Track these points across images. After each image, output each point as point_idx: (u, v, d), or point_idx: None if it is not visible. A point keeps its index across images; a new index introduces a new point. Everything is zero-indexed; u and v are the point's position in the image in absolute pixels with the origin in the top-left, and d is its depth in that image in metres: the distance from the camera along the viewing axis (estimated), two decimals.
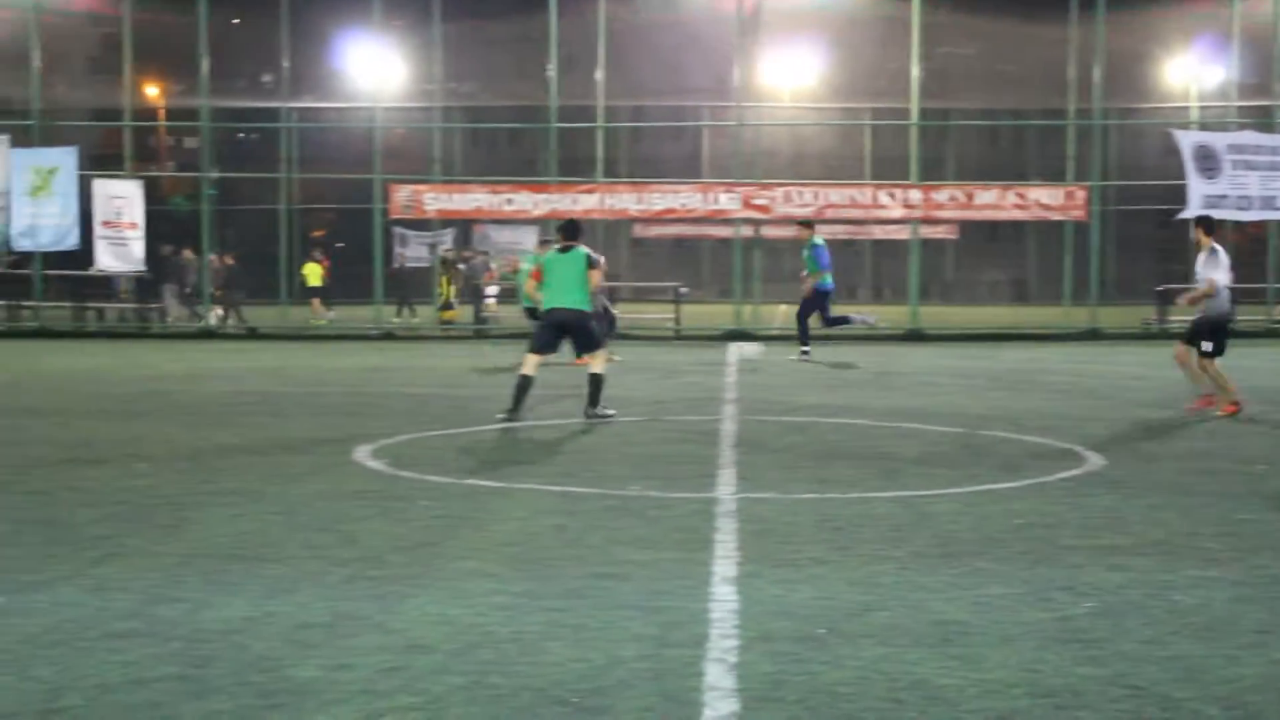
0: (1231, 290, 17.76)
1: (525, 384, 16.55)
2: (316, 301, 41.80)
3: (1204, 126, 35.85)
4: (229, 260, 38.54)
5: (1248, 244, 39.85)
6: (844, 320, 27.22)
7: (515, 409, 16.36)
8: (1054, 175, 34.69)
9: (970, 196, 32.10)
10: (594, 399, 16.65)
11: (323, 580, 8.46)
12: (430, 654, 6.99)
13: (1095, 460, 13.44)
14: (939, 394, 19.80)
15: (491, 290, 37.84)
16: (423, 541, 9.61)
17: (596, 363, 16.77)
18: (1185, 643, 7.33)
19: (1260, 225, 33.45)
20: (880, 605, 8.01)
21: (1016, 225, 38.59)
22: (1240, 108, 36.30)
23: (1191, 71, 40.69)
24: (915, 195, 31.64)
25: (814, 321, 26.43)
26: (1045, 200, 31.66)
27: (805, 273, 26.30)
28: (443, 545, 9.50)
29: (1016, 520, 10.48)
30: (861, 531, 10.05)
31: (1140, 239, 48.31)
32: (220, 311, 36.95)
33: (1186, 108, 40.57)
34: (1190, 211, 30.08)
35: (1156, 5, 36.11)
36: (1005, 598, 8.20)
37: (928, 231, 35.07)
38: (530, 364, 16.67)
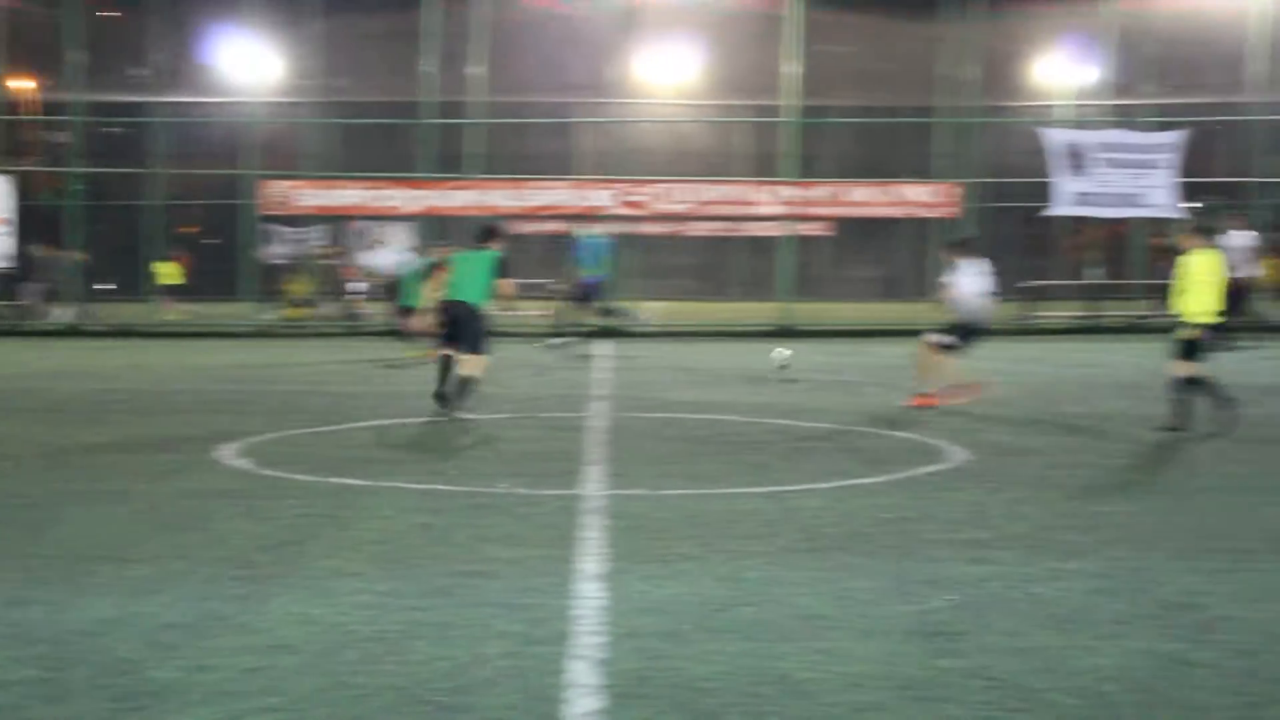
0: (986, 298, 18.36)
1: (446, 363, 16.95)
2: (168, 299, 41.02)
3: (1074, 125, 36.34)
4: (80, 256, 37.76)
5: (1114, 241, 40.45)
6: (612, 312, 28.09)
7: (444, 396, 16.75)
8: (927, 173, 35.00)
9: (844, 193, 32.35)
10: (458, 398, 16.59)
11: (186, 580, 8.37)
12: (293, 654, 6.94)
13: (960, 455, 13.59)
14: (808, 390, 19.93)
15: (358, 286, 37.38)
16: (287, 540, 9.54)
17: (472, 365, 16.69)
18: (1044, 634, 7.44)
19: (1125, 223, 34.02)
20: (746, 600, 8.05)
21: (889, 222, 38.91)
22: (1109, 106, 36.86)
23: (1062, 71, 41.24)
24: (790, 192, 31.82)
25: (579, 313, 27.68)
26: (919, 197, 31.96)
27: (582, 267, 27.66)
28: (307, 544, 9.44)
29: (882, 515, 10.58)
30: (729, 527, 10.11)
31: (1010, 236, 48.85)
32: (73, 309, 36.20)
33: (1057, 106, 41.11)
34: (1058, 208, 30.50)
35: (1028, 5, 36.57)
36: (869, 592, 8.28)
37: (802, 228, 35.21)
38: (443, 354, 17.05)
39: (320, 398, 18.92)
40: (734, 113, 42.20)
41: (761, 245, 51.00)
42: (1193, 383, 15.10)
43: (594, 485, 11.81)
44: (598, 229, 27.99)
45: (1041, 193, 31.02)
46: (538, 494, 11.40)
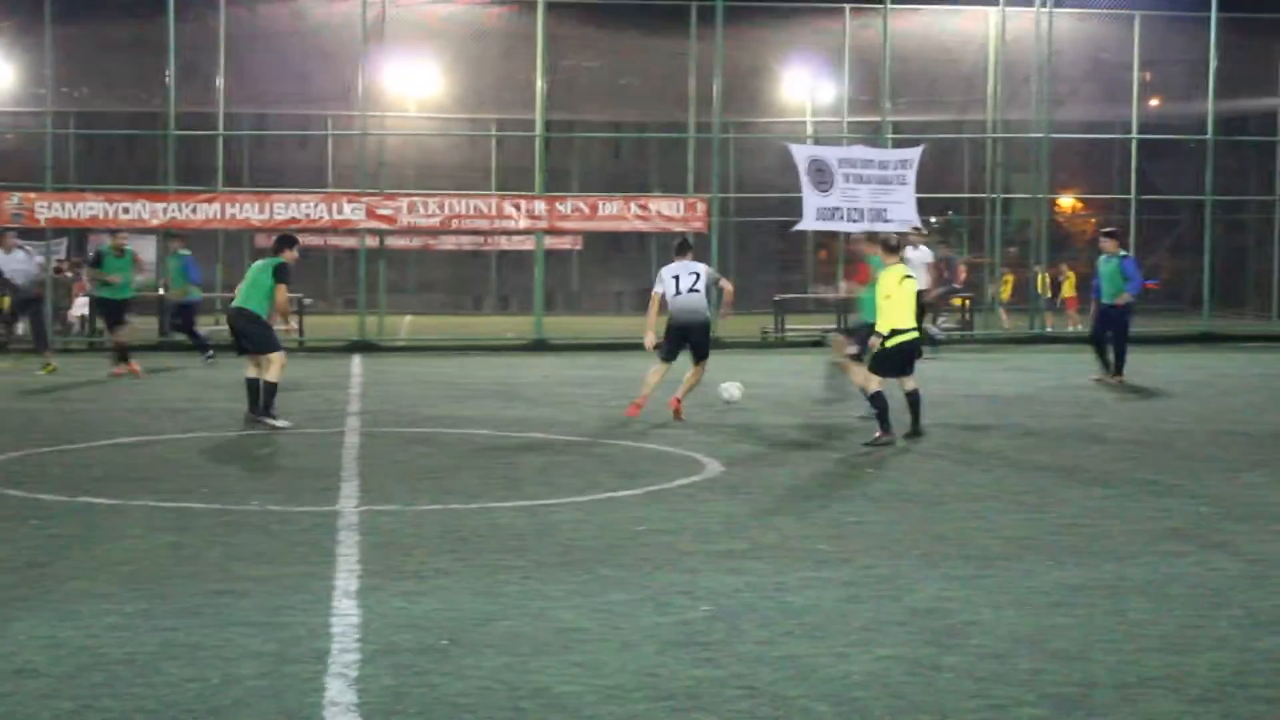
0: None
1: (253, 385, 16.78)
2: None
3: (817, 141, 37.01)
4: None
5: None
6: (197, 337, 27.66)
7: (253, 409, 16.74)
8: (676, 187, 35.31)
9: (594, 208, 32.50)
10: (267, 406, 16.61)
11: None
12: (38, 678, 6.75)
13: (714, 467, 13.75)
14: (563, 403, 19.98)
15: (80, 302, 36.23)
16: (31, 562, 9.28)
17: (271, 370, 16.52)
18: (797, 643, 7.55)
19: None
20: (503, 615, 8.04)
21: (640, 236, 39.22)
22: (851, 123, 37.60)
23: (806, 87, 41.97)
24: (540, 206, 31.86)
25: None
26: (667, 211, 32.24)
27: (172, 286, 28.09)
28: (52, 565, 9.19)
29: (637, 527, 10.66)
30: (485, 542, 10.09)
31: (760, 250, 49.57)
32: None
33: (802, 122, 41.83)
34: (805, 224, 31.02)
35: (773, 23, 37.07)
36: (626, 604, 8.32)
37: (552, 242, 35.36)
38: (251, 369, 16.89)
39: (64, 415, 18.43)
40: (484, 126, 42.13)
41: (513, 259, 51.09)
42: (911, 394, 15.79)
43: (348, 501, 11.70)
44: (182, 247, 27.76)
45: (790, 208, 31.53)
46: (291, 511, 11.25)
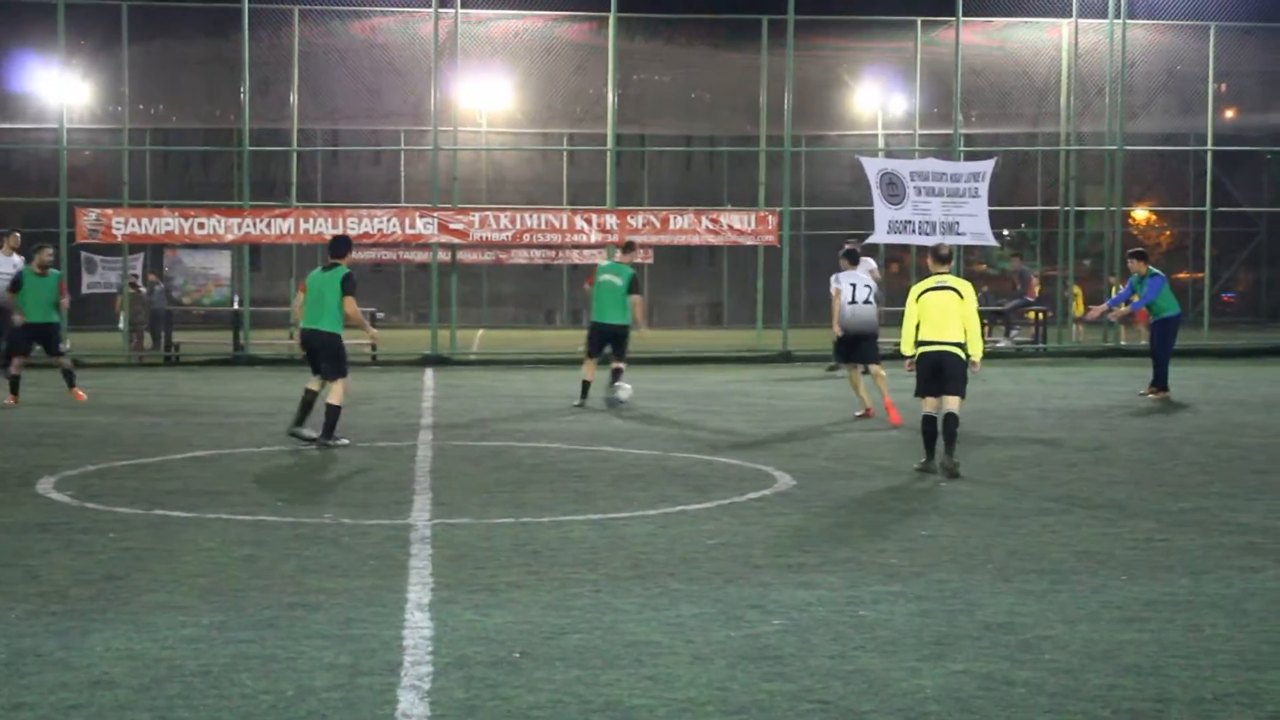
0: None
1: (309, 398, 16.67)
2: None
3: (889, 154, 36.95)
4: None
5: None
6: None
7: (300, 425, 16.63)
8: (747, 200, 35.34)
9: (665, 221, 32.52)
10: (330, 429, 16.45)
11: (2, 618, 8.18)
12: (114, 689, 6.81)
13: (785, 480, 13.73)
14: (634, 417, 19.99)
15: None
16: (108, 574, 9.37)
17: (335, 393, 16.49)
18: (869, 657, 7.53)
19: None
20: (574, 628, 8.06)
21: (711, 249, 39.24)
22: (923, 135, 37.52)
23: (878, 100, 41.93)
24: (611, 220, 31.92)
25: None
26: (738, 225, 32.22)
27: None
28: (129, 578, 9.27)
29: (708, 540, 10.65)
30: (557, 555, 10.11)
31: (830, 263, 49.38)
32: None
33: (873, 135, 41.77)
34: (877, 236, 30.98)
35: (844, 36, 37.07)
36: (697, 617, 8.32)
37: (625, 257, 35.36)
38: (314, 382, 16.79)
39: (141, 429, 18.59)
40: (555, 140, 42.28)
41: (585, 273, 51.22)
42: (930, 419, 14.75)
43: (420, 514, 11.75)
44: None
45: (861, 221, 31.48)
46: (364, 524, 11.31)
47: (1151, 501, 12.70)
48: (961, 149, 34.24)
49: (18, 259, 25.29)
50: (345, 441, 16.50)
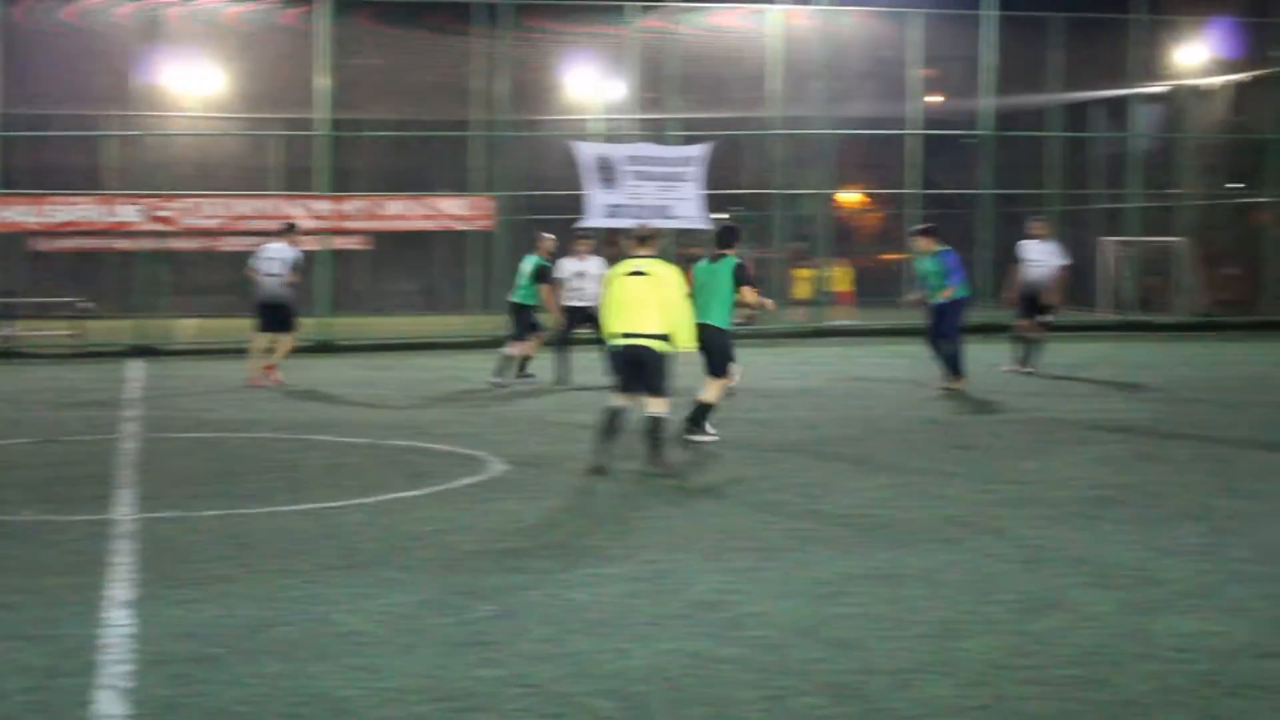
0: None
1: None
2: None
3: (605, 138, 37.11)
4: None
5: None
6: None
7: None
8: (464, 186, 35.16)
9: (380, 207, 32.26)
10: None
11: None
12: None
13: (498, 466, 13.70)
14: (348, 405, 19.77)
15: None
16: None
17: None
18: (579, 639, 7.57)
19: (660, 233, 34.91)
20: (284, 620, 7.95)
21: (426, 235, 38.94)
22: (638, 120, 37.76)
23: (593, 85, 42.07)
24: (324, 206, 31.53)
25: None
26: (454, 210, 32.10)
27: None
28: None
29: (422, 528, 10.60)
30: (267, 547, 9.96)
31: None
32: None
33: (589, 120, 41.92)
34: (590, 220, 31.11)
35: (559, 21, 37.09)
36: (408, 606, 8.28)
37: (339, 242, 34.90)
38: None
39: None
40: (266, 126, 41.56)
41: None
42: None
43: (124, 509, 11.45)
44: None
45: (576, 205, 31.55)
46: (63, 520, 10.99)
47: (858, 478, 12.99)
48: (675, 133, 34.57)
49: None
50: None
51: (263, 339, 22.33)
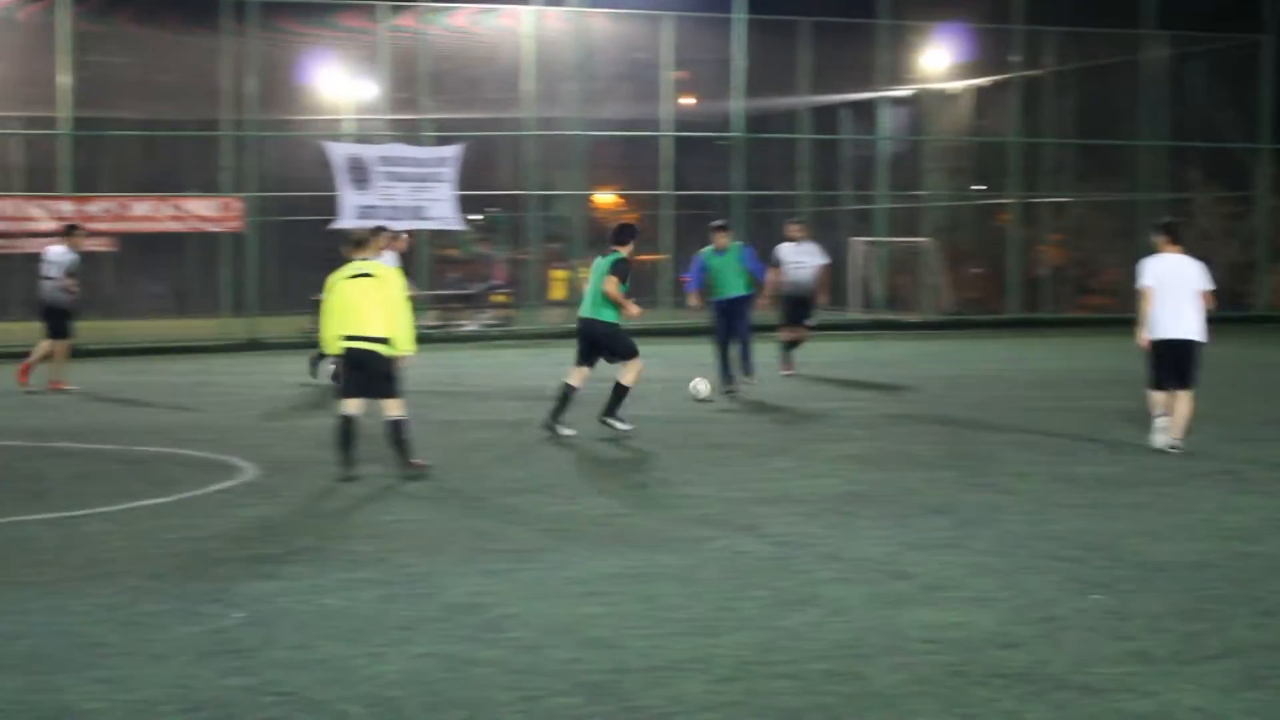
0: None
1: None
2: None
3: (358, 139, 36.75)
4: None
5: (405, 253, 41.28)
6: None
7: None
8: (212, 187, 34.53)
9: (126, 208, 31.54)
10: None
11: None
12: None
13: (251, 471, 13.47)
14: (94, 411, 19.27)
15: None
16: None
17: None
18: (332, 645, 7.49)
19: (413, 234, 34.65)
20: (25, 633, 7.74)
21: (176, 237, 38.16)
22: (391, 121, 37.48)
23: (345, 85, 41.63)
24: (67, 207, 30.72)
25: None
26: (202, 211, 31.54)
27: None
28: None
29: (169, 536, 10.39)
30: (8, 558, 9.69)
31: (300, 250, 48.87)
32: None
33: (342, 120, 41.47)
34: (343, 222, 30.80)
35: (309, 19, 36.61)
36: (156, 615, 8.11)
37: (85, 244, 34.06)
38: None
39: None
40: (5, 125, 40.38)
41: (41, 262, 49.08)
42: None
43: None
44: None
45: (330, 207, 31.23)
46: None
47: (613, 478, 13.07)
48: (429, 134, 34.40)
49: None
50: None
51: (48, 344, 21.68)
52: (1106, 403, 18.57)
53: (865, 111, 41.81)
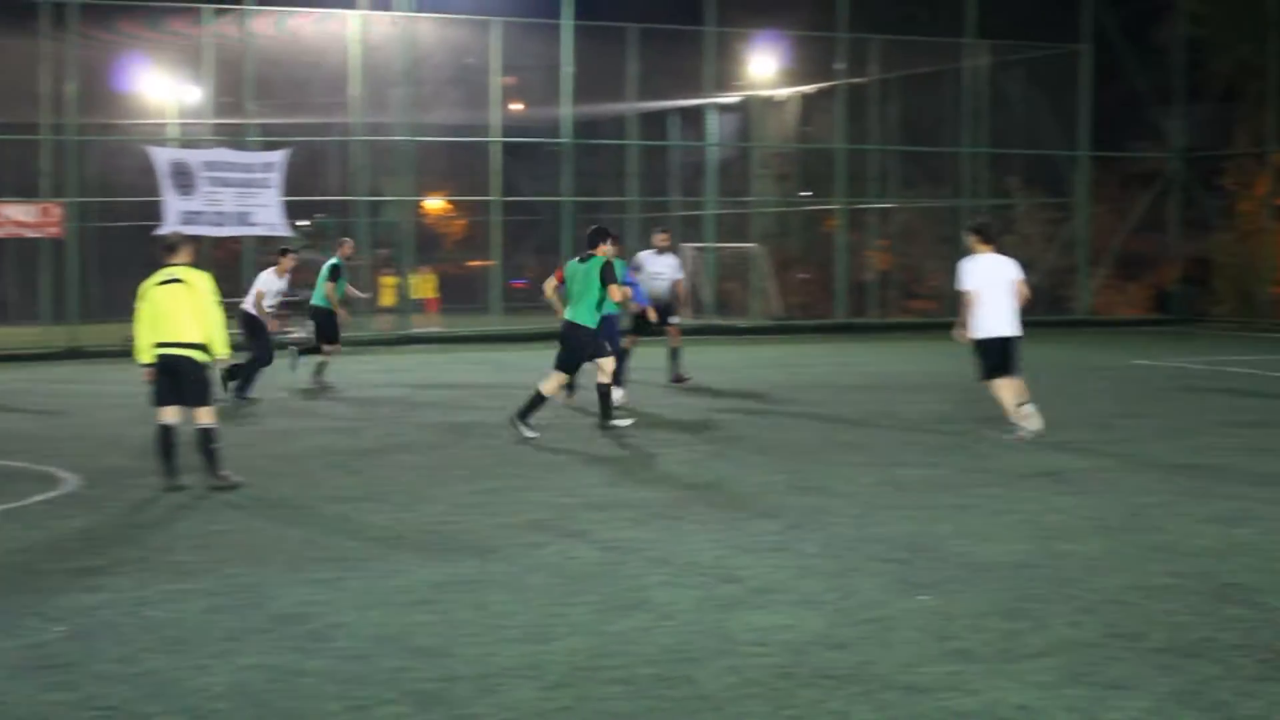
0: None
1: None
2: None
3: (183, 143, 36.23)
4: None
5: (228, 260, 40.70)
6: None
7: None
8: (31, 192, 33.83)
9: None
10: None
11: None
12: None
13: (73, 481, 13.22)
14: None
15: None
16: None
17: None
18: (157, 658, 7.38)
19: (238, 240, 34.25)
20: None
21: None
22: (217, 126, 36.98)
23: (169, 89, 41.01)
24: None
25: None
26: (20, 217, 30.89)
27: None
28: None
29: None
30: None
31: (123, 256, 48.12)
32: None
33: (166, 124, 40.85)
34: (167, 228, 30.34)
35: (131, 22, 36.00)
36: None
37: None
38: None
39: None
40: None
41: None
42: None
43: None
44: None
45: (154, 212, 30.75)
46: None
47: (443, 485, 12.99)
48: (255, 139, 33.99)
49: None
50: None
51: None
52: (930, 406, 18.87)
53: (694, 118, 42.09)
